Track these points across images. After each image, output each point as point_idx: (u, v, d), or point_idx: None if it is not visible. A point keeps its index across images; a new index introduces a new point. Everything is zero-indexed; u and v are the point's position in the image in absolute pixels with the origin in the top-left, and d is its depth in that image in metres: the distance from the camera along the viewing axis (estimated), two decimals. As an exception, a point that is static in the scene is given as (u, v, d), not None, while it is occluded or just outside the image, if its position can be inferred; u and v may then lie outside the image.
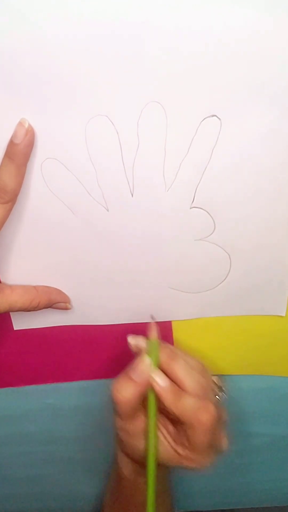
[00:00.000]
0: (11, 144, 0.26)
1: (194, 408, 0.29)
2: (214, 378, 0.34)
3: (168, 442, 0.32)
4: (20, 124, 0.26)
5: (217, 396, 0.34)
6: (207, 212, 0.30)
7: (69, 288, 0.34)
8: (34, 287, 0.33)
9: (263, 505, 0.52)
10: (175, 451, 0.31)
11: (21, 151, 0.27)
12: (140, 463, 0.34)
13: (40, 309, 0.32)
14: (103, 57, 0.25)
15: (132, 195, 0.29)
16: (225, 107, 0.26)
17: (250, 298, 0.35)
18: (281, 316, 0.36)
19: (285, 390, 0.41)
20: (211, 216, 0.31)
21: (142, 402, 0.31)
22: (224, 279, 0.34)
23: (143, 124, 0.27)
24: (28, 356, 0.38)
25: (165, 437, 0.32)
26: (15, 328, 0.36)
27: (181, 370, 0.31)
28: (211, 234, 0.31)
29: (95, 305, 0.35)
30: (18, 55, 0.25)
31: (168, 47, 0.25)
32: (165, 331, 0.36)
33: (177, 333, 0.37)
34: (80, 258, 0.32)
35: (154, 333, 0.32)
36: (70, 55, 0.25)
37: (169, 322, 0.36)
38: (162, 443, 0.32)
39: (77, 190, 0.29)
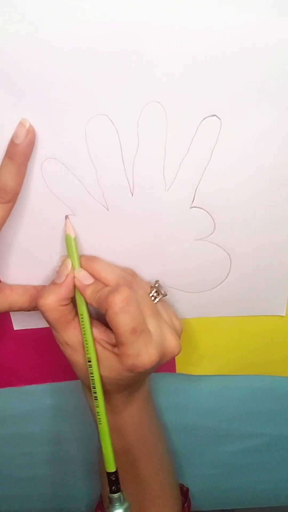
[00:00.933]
0: (12, 144, 0.26)
1: (106, 294, 0.29)
2: (152, 283, 0.33)
3: (107, 349, 0.31)
4: (21, 124, 0.26)
5: (154, 297, 0.33)
6: (207, 212, 0.30)
7: (69, 288, 0.34)
8: (34, 287, 0.32)
9: (263, 505, 0.52)
10: (114, 353, 0.30)
11: (21, 151, 0.27)
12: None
13: None
14: (103, 57, 0.25)
15: (132, 195, 0.30)
16: (225, 107, 0.26)
17: (250, 298, 0.35)
18: (281, 316, 0.36)
19: (285, 390, 0.41)
20: (211, 216, 0.31)
21: (77, 312, 0.31)
22: (224, 279, 0.34)
23: (143, 124, 0.27)
24: (28, 356, 0.38)
25: (104, 346, 0.31)
26: (15, 328, 0.36)
27: (100, 266, 0.31)
28: (211, 234, 0.31)
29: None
30: (18, 55, 0.25)
31: (168, 47, 0.25)
32: (165, 331, 0.36)
33: (177, 333, 0.37)
34: (80, 258, 0.32)
35: (70, 229, 0.30)
36: (70, 55, 0.25)
37: (169, 322, 0.36)
38: (102, 352, 0.30)
39: (77, 190, 0.29)
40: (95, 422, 0.36)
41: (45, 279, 0.33)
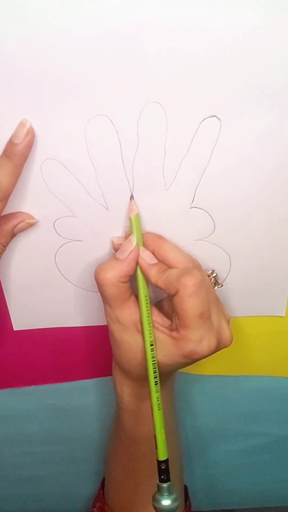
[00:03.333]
0: (11, 143, 0.26)
1: (178, 275, 0.28)
2: (209, 272, 0.33)
3: (164, 332, 0.30)
4: (22, 124, 0.26)
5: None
6: (207, 212, 0.30)
7: (69, 288, 0.34)
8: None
9: (263, 505, 0.52)
10: (171, 337, 0.29)
11: (20, 151, 0.27)
12: (137, 379, 0.32)
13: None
14: (103, 57, 0.25)
15: (132, 195, 0.29)
16: (225, 108, 0.26)
17: (250, 298, 0.35)
18: (281, 316, 0.36)
19: (285, 390, 0.41)
20: (211, 216, 0.31)
21: (133, 292, 0.30)
22: (224, 280, 0.34)
23: (143, 124, 0.27)
24: (28, 356, 0.38)
25: (158, 328, 0.30)
26: (14, 329, 0.36)
27: (169, 246, 0.30)
28: (211, 234, 0.31)
29: (95, 305, 0.35)
30: (18, 55, 0.25)
31: (168, 47, 0.25)
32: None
33: (177, 333, 0.37)
34: (80, 258, 0.32)
35: (135, 208, 0.30)
36: (70, 55, 0.25)
37: (169, 322, 0.36)
38: (157, 334, 0.30)
39: (77, 191, 0.29)
40: (119, 408, 0.34)
41: (45, 279, 0.33)
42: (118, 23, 0.24)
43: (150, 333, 0.29)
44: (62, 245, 0.32)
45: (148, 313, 0.30)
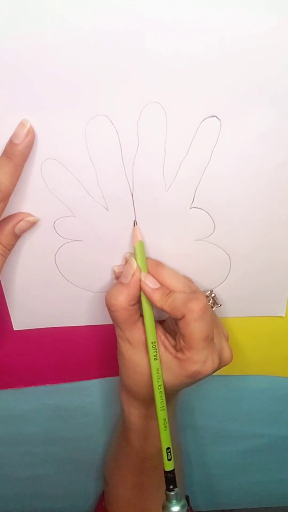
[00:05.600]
0: (11, 143, 0.26)
1: (183, 300, 0.29)
2: (207, 292, 0.34)
3: (170, 353, 0.31)
4: (22, 124, 0.26)
5: (211, 307, 0.33)
6: (207, 213, 0.30)
7: (69, 288, 0.34)
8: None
9: (263, 505, 0.52)
10: (177, 358, 0.30)
11: (20, 151, 0.27)
12: (145, 400, 0.33)
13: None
14: (103, 57, 0.25)
15: (132, 195, 0.29)
16: (225, 108, 0.26)
17: (250, 299, 0.35)
18: (281, 316, 0.36)
19: (285, 390, 0.41)
20: (211, 217, 0.31)
21: (141, 312, 0.31)
22: (224, 280, 0.34)
23: (143, 124, 0.27)
24: (28, 356, 0.38)
25: (166, 348, 0.31)
26: (15, 329, 0.36)
27: (167, 273, 0.31)
28: (211, 234, 0.31)
29: (95, 305, 0.35)
30: (18, 55, 0.25)
31: (168, 48, 0.25)
32: (165, 331, 0.36)
33: (177, 333, 0.37)
34: (80, 258, 0.32)
35: (138, 235, 0.31)
36: (70, 55, 0.25)
37: (169, 322, 0.36)
38: (164, 355, 0.31)
39: (77, 191, 0.29)
40: (127, 428, 0.36)
41: (45, 279, 0.33)
42: (118, 24, 0.24)
43: (155, 358, 0.30)
44: (62, 245, 0.32)
45: (152, 333, 0.30)
